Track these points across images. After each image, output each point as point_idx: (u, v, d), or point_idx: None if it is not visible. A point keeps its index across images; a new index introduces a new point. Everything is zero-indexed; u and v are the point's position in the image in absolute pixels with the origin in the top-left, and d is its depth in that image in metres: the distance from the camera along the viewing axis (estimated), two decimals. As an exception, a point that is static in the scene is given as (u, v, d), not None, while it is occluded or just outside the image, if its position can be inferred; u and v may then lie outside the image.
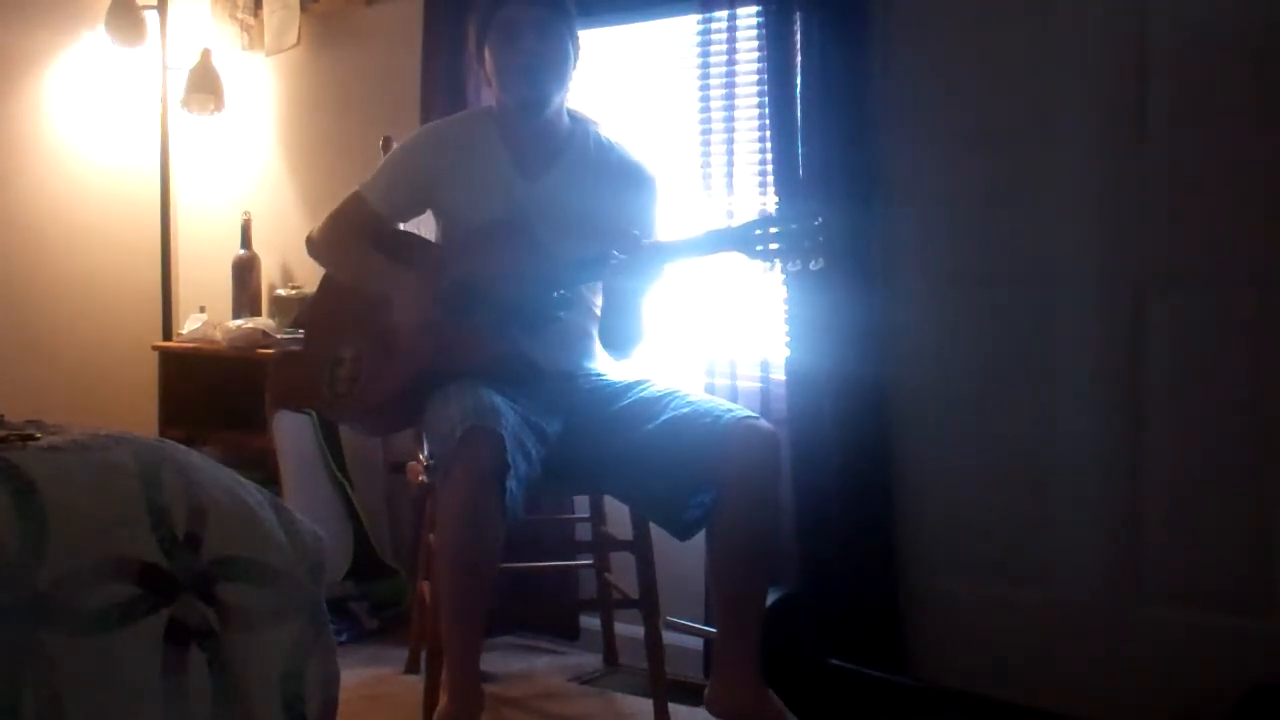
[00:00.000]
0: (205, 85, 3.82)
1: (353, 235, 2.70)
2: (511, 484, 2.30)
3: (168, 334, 3.98)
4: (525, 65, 2.58)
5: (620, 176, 2.67)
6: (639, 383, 2.59)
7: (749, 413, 2.48)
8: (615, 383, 2.62)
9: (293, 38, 3.78)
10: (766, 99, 2.85)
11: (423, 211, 2.80)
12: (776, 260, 2.35)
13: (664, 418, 2.46)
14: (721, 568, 2.45)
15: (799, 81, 2.81)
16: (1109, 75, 2.59)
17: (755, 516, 2.41)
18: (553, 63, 2.59)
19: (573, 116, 2.71)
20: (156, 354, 3.88)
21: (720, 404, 2.51)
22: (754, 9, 2.91)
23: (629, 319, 2.60)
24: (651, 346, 2.70)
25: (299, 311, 3.57)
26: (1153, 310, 2.57)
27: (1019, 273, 2.71)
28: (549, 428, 2.50)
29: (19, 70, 3.83)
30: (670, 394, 2.52)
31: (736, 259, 2.41)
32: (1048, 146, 2.65)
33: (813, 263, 2.34)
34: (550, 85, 2.61)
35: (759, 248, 2.35)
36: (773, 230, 2.35)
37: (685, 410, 2.46)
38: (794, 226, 2.34)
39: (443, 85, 3.31)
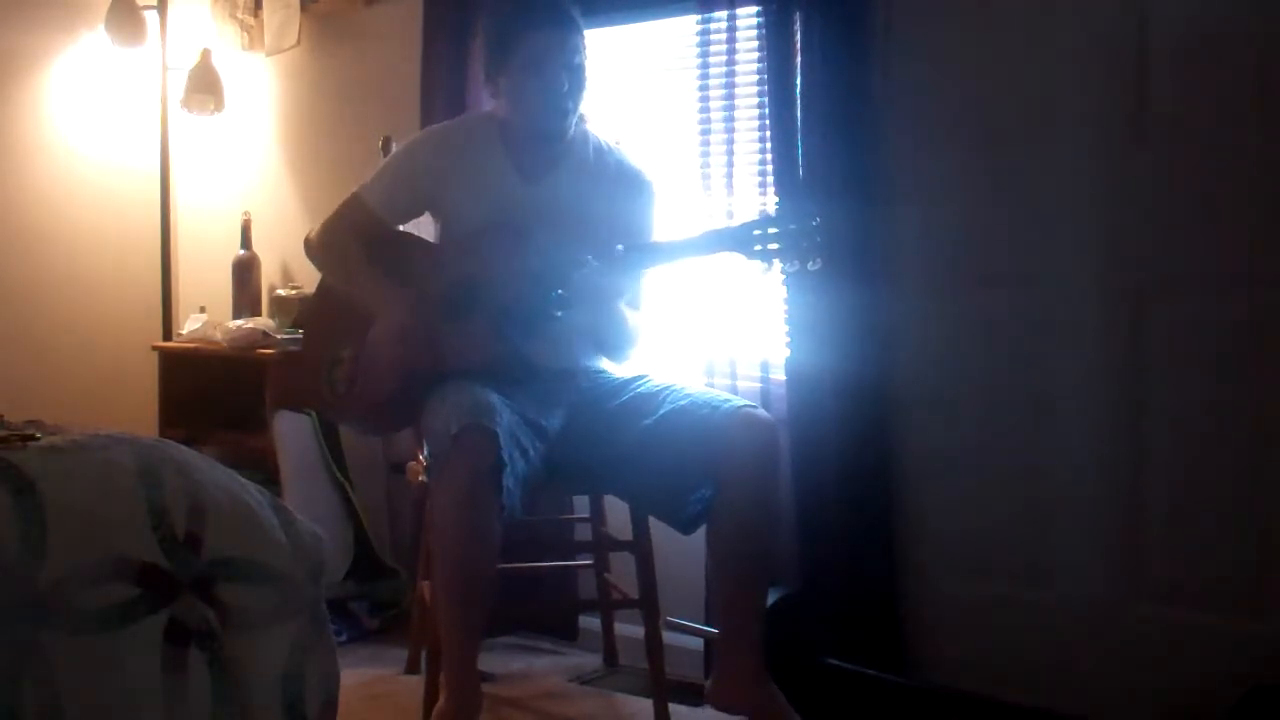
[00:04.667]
0: (205, 85, 3.82)
1: (351, 238, 2.69)
2: (508, 481, 2.31)
3: (168, 334, 3.98)
4: (558, 105, 2.57)
5: (618, 181, 2.68)
6: (637, 378, 2.60)
7: (747, 403, 2.48)
8: (614, 379, 2.62)
9: (293, 38, 3.78)
10: (766, 99, 2.85)
11: (421, 214, 2.79)
12: (775, 261, 2.36)
13: (662, 411, 2.47)
14: (723, 560, 2.45)
15: (799, 82, 2.81)
16: (1109, 76, 2.58)
17: (756, 507, 2.41)
18: (578, 92, 2.59)
19: (573, 120, 2.72)
20: (156, 354, 3.88)
21: (718, 395, 2.52)
22: (754, 9, 2.91)
23: (609, 323, 2.59)
24: (647, 348, 2.69)
25: (299, 312, 3.57)
26: (1153, 310, 2.57)
27: (1019, 273, 2.71)
28: (548, 425, 2.50)
29: (19, 70, 3.83)
30: (668, 388, 2.53)
31: (735, 259, 2.41)
32: (1048, 146, 2.65)
33: (810, 263, 2.34)
34: (574, 115, 2.62)
35: (757, 248, 2.36)
36: (771, 230, 2.35)
37: (683, 403, 2.47)
38: (792, 227, 2.34)
39: (443, 85, 3.31)
